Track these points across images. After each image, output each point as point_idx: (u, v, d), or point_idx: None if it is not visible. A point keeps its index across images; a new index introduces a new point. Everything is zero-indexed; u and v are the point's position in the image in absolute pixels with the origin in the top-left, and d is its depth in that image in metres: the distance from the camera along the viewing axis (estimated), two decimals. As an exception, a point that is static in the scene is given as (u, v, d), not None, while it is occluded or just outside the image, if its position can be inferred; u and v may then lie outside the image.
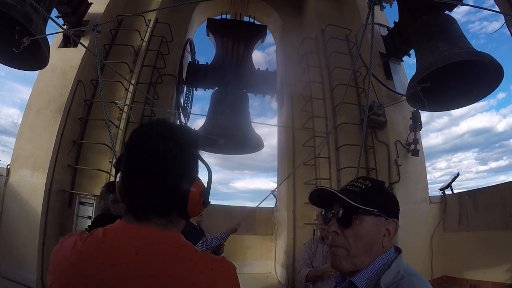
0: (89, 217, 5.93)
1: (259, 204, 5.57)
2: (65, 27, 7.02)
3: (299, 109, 7.78)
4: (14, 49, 4.64)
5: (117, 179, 1.03)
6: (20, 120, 6.52)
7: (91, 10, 7.14)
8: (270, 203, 9.37)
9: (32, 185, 5.83)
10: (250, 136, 7.35)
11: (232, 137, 7.04)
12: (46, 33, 5.50)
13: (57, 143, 6.12)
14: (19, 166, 6.03)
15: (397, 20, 6.99)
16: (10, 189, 5.91)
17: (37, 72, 6.58)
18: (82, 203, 6.17)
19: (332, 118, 6.91)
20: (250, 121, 7.59)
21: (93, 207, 6.02)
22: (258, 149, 7.73)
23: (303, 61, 8.02)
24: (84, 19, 7.02)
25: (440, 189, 6.79)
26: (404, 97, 6.23)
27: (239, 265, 8.47)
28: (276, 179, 8.44)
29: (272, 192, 7.90)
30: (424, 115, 6.45)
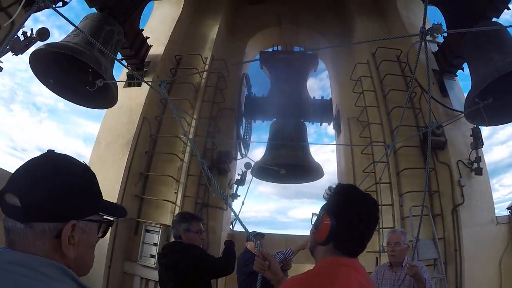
0: (155, 244, 6.40)
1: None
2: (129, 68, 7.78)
3: (357, 135, 7.97)
4: (88, 88, 5.12)
5: (327, 222, 1.62)
6: (84, 151, 7.21)
7: (151, 52, 7.90)
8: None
9: None
10: (310, 165, 7.61)
11: (292, 167, 7.31)
12: (113, 75, 6.15)
13: (125, 175, 6.76)
14: None
15: (446, 35, 6.97)
16: None
17: (103, 110, 7.28)
18: (148, 231, 6.64)
19: (390, 143, 7.04)
20: (309, 150, 7.86)
21: (158, 235, 6.46)
22: (318, 178, 7.96)
23: (357, 87, 8.26)
24: (145, 61, 7.73)
25: (508, 208, 6.66)
26: (462, 114, 6.25)
27: None
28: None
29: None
30: (486, 129, 6.34)
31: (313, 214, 1.80)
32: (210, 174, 2.64)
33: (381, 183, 6.76)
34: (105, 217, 1.21)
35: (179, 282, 3.44)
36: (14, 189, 1.00)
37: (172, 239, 4.09)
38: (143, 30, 7.67)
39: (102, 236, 1.21)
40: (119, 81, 6.47)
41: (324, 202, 1.77)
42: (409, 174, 6.85)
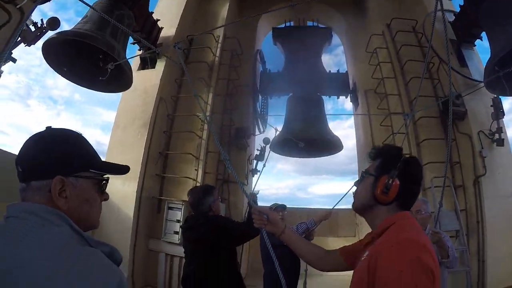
0: (178, 221, 6.56)
1: (337, 203, 5.71)
2: (140, 52, 7.82)
3: (375, 107, 7.92)
4: (103, 73, 5.31)
5: (391, 182, 1.66)
6: (103, 139, 7.35)
7: (163, 33, 7.87)
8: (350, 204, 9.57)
9: (123, 193, 6.56)
10: (328, 138, 7.58)
11: (311, 140, 7.29)
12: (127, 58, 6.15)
13: (145, 155, 6.87)
14: (111, 177, 6.65)
15: (462, 3, 6.96)
16: None
17: (118, 95, 7.48)
18: (170, 208, 6.79)
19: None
20: (327, 124, 7.83)
21: (181, 211, 6.61)
22: (337, 151, 7.93)
23: (373, 59, 8.17)
24: (158, 43, 7.72)
25: (530, 180, 6.49)
26: (483, 84, 6.17)
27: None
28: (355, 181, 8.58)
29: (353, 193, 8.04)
30: (508, 101, 6.22)
31: (363, 173, 1.83)
32: (221, 149, 2.67)
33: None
34: (104, 176, 1.40)
35: (204, 255, 3.45)
36: (18, 159, 1.21)
37: None
38: (153, 13, 7.63)
39: (102, 194, 1.41)
40: (135, 56, 6.50)
41: (370, 161, 1.86)
42: (429, 145, 6.81)
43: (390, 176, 1.65)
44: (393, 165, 1.68)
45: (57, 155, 1.23)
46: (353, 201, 1.87)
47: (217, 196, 3.74)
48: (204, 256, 3.44)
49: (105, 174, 1.40)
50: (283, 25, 9.46)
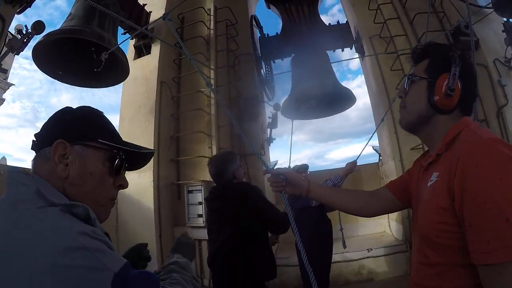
0: (200, 203, 6.43)
1: (359, 155, 5.47)
2: (133, 40, 7.65)
3: (382, 52, 7.63)
4: (97, 66, 5.08)
5: (453, 83, 1.39)
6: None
7: (152, 18, 7.59)
8: (373, 159, 9.36)
9: (140, 185, 6.41)
10: (340, 91, 7.30)
11: (322, 96, 7.05)
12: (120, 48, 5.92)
13: (155, 142, 6.72)
14: (126, 172, 6.56)
15: None
16: (120, 194, 6.48)
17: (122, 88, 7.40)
18: (190, 192, 6.63)
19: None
20: (336, 78, 7.55)
21: (201, 192, 6.46)
22: (351, 103, 7.64)
23: (372, 3, 7.93)
24: (148, 29, 7.51)
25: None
26: (491, 9, 5.90)
27: (351, 228, 8.61)
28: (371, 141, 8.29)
29: (372, 147, 7.82)
30: None
31: (409, 77, 1.52)
32: (233, 118, 2.44)
33: None
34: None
35: (234, 226, 3.12)
36: (36, 133, 1.20)
37: None
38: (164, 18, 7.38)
39: (116, 175, 1.28)
40: (126, 39, 6.27)
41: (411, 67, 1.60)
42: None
43: (451, 75, 1.37)
44: (446, 64, 1.40)
45: (66, 122, 1.20)
46: (400, 117, 1.57)
47: (239, 163, 3.50)
48: (233, 227, 3.12)
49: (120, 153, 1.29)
50: (274, -13, 9.09)
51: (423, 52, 1.54)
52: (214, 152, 6.75)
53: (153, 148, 5.83)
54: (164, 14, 3.59)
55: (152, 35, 6.47)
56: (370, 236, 8.75)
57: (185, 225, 6.48)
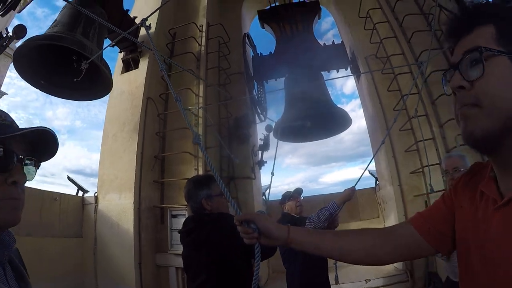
0: (184, 230, 5.97)
1: (357, 182, 5.06)
2: (122, 54, 7.44)
3: (379, 72, 7.40)
4: (75, 79, 4.86)
5: None
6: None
7: (143, 31, 7.38)
8: (369, 183, 9.04)
9: (120, 206, 6.10)
10: (335, 112, 7.03)
11: (317, 118, 6.78)
12: (105, 59, 5.73)
13: (138, 161, 6.34)
14: (106, 192, 6.40)
15: None
16: (101, 215, 6.28)
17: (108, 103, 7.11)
18: (174, 216, 6.29)
19: (417, 71, 6.46)
20: (331, 98, 7.30)
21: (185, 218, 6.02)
22: (347, 125, 7.35)
23: (368, 23, 7.73)
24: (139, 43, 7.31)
25: None
26: None
27: None
28: (365, 165, 7.91)
29: (368, 171, 7.50)
30: None
31: (480, 50, 0.89)
32: (221, 139, 2.05)
33: (417, 116, 5.92)
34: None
35: (213, 262, 2.64)
36: None
37: None
38: (128, 11, 7.25)
39: (3, 173, 1.02)
40: (108, 46, 5.96)
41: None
42: (445, 102, 6.08)
43: None
44: None
45: None
46: (468, 123, 0.93)
47: (217, 191, 2.85)
48: (214, 263, 2.65)
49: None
50: (268, 7, 8.95)
51: (480, 14, 0.96)
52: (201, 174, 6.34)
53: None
54: (142, 20, 3.32)
55: (138, 42, 6.18)
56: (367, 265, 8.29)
57: (168, 251, 6.08)
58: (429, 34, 6.40)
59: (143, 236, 6.04)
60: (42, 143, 1.16)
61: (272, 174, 4.68)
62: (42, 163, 1.17)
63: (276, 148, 5.30)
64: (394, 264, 7.21)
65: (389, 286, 6.53)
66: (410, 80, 6.74)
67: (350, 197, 4.36)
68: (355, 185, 4.56)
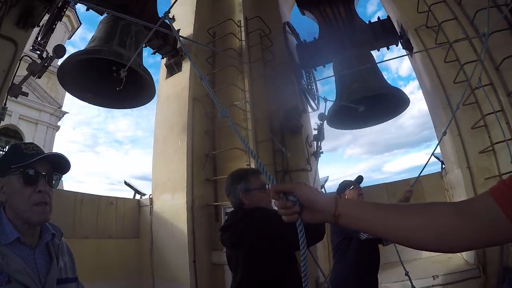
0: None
1: (422, 171, 4.57)
2: (164, 60, 7.54)
3: (432, 43, 6.81)
4: (117, 88, 4.91)
5: None
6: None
7: (181, 34, 7.50)
8: (435, 168, 8.48)
9: (174, 207, 6.22)
10: (390, 92, 6.57)
11: (371, 100, 6.43)
12: (148, 69, 5.88)
13: (189, 161, 6.46)
14: (160, 193, 6.64)
15: None
16: (156, 216, 6.52)
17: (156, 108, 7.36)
18: (227, 213, 6.06)
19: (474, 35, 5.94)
20: (385, 78, 6.87)
21: (240, 214, 5.93)
22: (405, 106, 6.86)
23: (414, -10, 7.19)
24: (178, 47, 7.35)
25: None
26: None
27: (410, 249, 7.46)
28: (430, 150, 7.18)
29: (433, 154, 7.06)
30: None
31: None
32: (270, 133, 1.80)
33: (481, 86, 5.37)
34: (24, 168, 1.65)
35: (248, 260, 2.46)
36: None
37: None
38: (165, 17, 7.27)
39: (31, 185, 1.64)
40: (141, 46, 5.99)
41: None
42: (511, 66, 5.56)
43: None
44: None
45: None
46: None
47: (256, 184, 2.69)
48: (250, 263, 2.45)
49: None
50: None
51: None
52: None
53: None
54: (164, 13, 3.16)
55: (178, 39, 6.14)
56: (434, 259, 7.46)
57: (223, 249, 5.88)
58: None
59: (197, 235, 6.08)
60: (60, 162, 1.75)
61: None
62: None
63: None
64: (465, 258, 6.55)
65: (459, 283, 5.89)
66: (468, 46, 6.22)
67: (408, 198, 4.16)
68: (412, 185, 4.20)
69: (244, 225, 2.49)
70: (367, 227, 1.17)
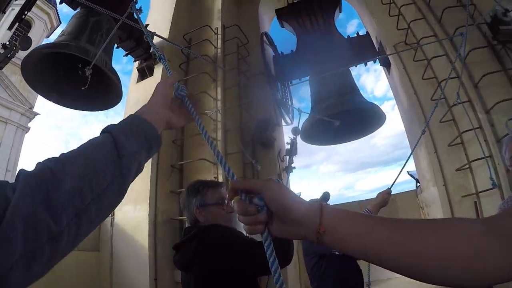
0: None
1: (395, 181, 4.39)
2: (136, 63, 7.34)
3: (410, 60, 6.80)
4: (83, 88, 4.74)
5: None
6: None
7: (156, 39, 7.24)
8: (409, 187, 8.42)
9: (136, 219, 5.86)
10: (366, 107, 6.47)
11: (346, 115, 6.25)
12: (119, 75, 5.67)
13: (153, 171, 6.16)
14: (122, 203, 6.01)
15: None
16: (117, 228, 6.14)
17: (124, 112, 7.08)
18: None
19: (453, 52, 5.89)
20: (361, 93, 6.78)
21: (207, 229, 5.68)
22: (381, 121, 6.74)
23: (393, 8, 7.24)
24: (151, 51, 7.20)
25: None
26: None
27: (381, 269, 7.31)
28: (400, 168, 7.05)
29: (408, 172, 6.87)
30: None
31: None
32: (242, 147, 1.57)
33: (460, 103, 5.21)
34: None
35: (202, 285, 2.12)
36: None
37: None
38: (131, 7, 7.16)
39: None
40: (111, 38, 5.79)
41: None
42: (490, 83, 5.47)
43: None
44: None
45: None
46: None
47: (213, 198, 2.34)
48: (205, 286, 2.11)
49: None
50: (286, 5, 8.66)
51: None
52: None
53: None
54: (132, 2, 2.92)
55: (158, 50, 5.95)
56: (406, 280, 7.09)
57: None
58: (461, 9, 5.93)
59: (160, 251, 5.70)
60: None
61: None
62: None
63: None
64: None
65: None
66: (446, 63, 6.13)
67: (386, 201, 3.59)
68: (391, 186, 3.90)
69: (197, 243, 2.16)
70: (363, 249, 0.80)
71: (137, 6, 3.04)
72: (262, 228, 0.87)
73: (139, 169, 0.99)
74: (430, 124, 5.74)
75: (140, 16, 2.50)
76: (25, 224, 0.66)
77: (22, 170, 0.77)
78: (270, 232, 0.88)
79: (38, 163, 0.79)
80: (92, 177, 0.79)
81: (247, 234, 1.02)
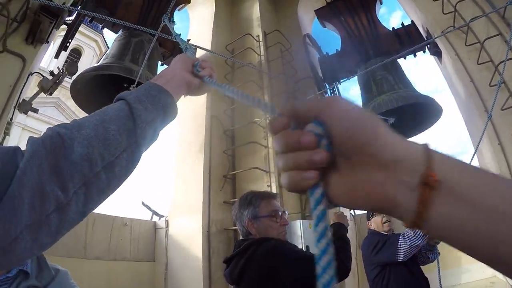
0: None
1: None
2: None
3: (462, 45, 6.44)
4: None
5: None
6: None
7: (199, 52, 7.38)
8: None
9: (189, 230, 5.94)
10: (420, 101, 6.21)
11: (400, 111, 6.10)
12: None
13: (206, 182, 6.21)
14: (176, 215, 6.42)
15: None
16: (171, 240, 6.27)
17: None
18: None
19: (508, 31, 5.58)
20: (414, 87, 6.57)
21: (263, 240, 5.67)
22: (438, 115, 6.49)
23: (439, -6, 6.90)
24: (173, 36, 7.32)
25: None
26: None
27: (453, 274, 6.54)
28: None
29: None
30: None
31: None
32: None
33: None
34: None
35: None
36: None
37: None
38: (180, 34, 7.33)
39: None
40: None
41: None
42: None
43: None
44: None
45: None
46: None
47: (266, 210, 2.26)
48: None
49: None
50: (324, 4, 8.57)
51: None
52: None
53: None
54: (164, 15, 3.01)
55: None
56: (475, 285, 6.73)
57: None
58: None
59: (214, 261, 5.72)
60: None
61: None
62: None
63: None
64: (510, 283, 5.62)
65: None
66: (502, 44, 5.84)
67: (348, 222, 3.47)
68: None
69: (246, 258, 2.08)
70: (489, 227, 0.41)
71: (174, 20, 3.11)
72: (315, 177, 0.49)
73: (154, 137, 0.96)
74: (491, 113, 5.43)
75: (173, 27, 2.52)
76: (32, 195, 0.67)
77: (31, 138, 0.77)
78: (327, 193, 0.50)
79: (49, 128, 0.78)
80: (103, 145, 0.79)
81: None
